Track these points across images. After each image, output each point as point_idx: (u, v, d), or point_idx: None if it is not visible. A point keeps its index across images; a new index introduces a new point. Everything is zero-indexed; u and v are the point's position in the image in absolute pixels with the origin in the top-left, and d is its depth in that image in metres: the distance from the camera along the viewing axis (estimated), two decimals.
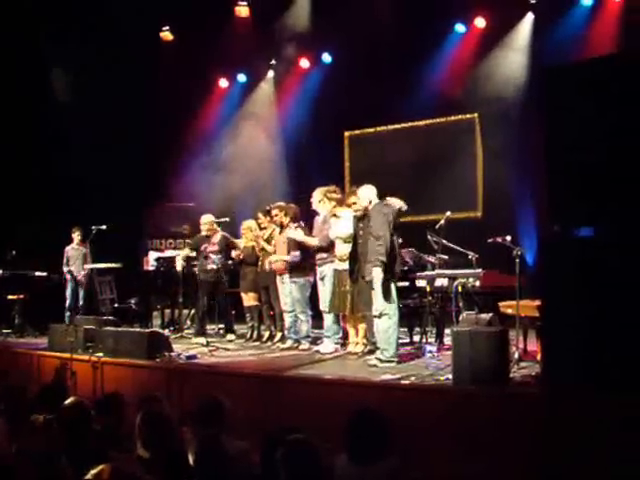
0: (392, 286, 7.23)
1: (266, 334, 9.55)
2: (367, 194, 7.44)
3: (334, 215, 8.16)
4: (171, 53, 12.66)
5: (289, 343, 8.80)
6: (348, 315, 8.16)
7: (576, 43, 9.53)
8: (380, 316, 7.13)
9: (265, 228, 9.55)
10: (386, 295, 7.14)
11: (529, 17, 10.56)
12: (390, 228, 7.16)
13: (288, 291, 8.81)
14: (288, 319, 8.89)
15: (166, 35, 12.88)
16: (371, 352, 7.68)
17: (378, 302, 7.13)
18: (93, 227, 10.96)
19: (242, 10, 12.27)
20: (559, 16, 9.93)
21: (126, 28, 11.52)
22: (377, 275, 7.08)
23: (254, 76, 13.33)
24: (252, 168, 12.29)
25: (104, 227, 10.75)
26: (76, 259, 11.35)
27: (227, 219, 9.95)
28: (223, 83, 13.58)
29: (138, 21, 11.62)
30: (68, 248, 11.40)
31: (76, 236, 11.34)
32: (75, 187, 12.24)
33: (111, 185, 12.08)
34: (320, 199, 8.41)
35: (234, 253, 9.73)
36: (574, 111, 5.82)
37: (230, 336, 9.75)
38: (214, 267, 9.54)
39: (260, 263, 9.41)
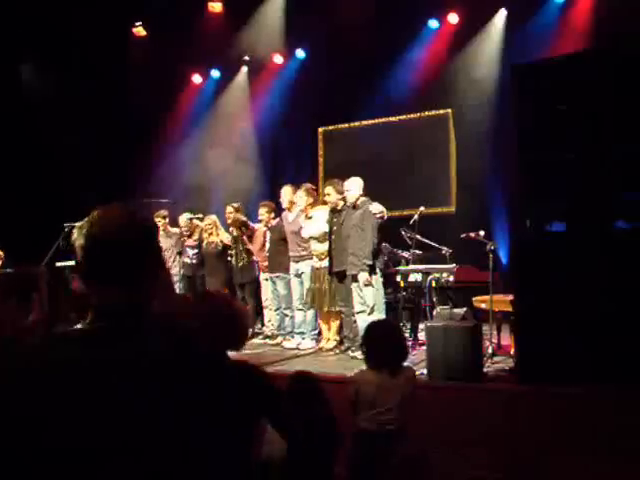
0: (379, 281, 7.39)
1: None
2: (356, 187, 7.53)
3: (306, 217, 8.19)
4: (144, 49, 12.55)
5: (279, 339, 8.80)
6: (323, 312, 8.18)
7: (548, 39, 9.59)
8: (372, 312, 7.22)
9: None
10: (375, 290, 7.29)
11: (502, 13, 10.62)
12: (375, 232, 7.29)
13: (271, 288, 8.83)
14: (273, 316, 8.94)
15: (139, 31, 12.77)
16: (348, 349, 7.72)
17: (369, 298, 7.23)
18: (66, 224, 10.81)
19: (215, 6, 12.20)
20: (532, 12, 9.99)
21: (98, 24, 11.39)
22: (364, 278, 7.21)
23: (228, 72, 13.26)
24: (226, 164, 12.24)
25: (77, 224, 10.62)
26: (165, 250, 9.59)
27: (201, 215, 9.87)
28: (197, 79, 13.49)
29: (111, 16, 11.51)
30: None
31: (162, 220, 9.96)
32: (48, 183, 12.09)
33: (84, 181, 11.95)
34: (290, 198, 8.42)
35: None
36: (544, 108, 5.88)
37: None
38: (187, 261, 9.66)
39: (235, 259, 9.29)
